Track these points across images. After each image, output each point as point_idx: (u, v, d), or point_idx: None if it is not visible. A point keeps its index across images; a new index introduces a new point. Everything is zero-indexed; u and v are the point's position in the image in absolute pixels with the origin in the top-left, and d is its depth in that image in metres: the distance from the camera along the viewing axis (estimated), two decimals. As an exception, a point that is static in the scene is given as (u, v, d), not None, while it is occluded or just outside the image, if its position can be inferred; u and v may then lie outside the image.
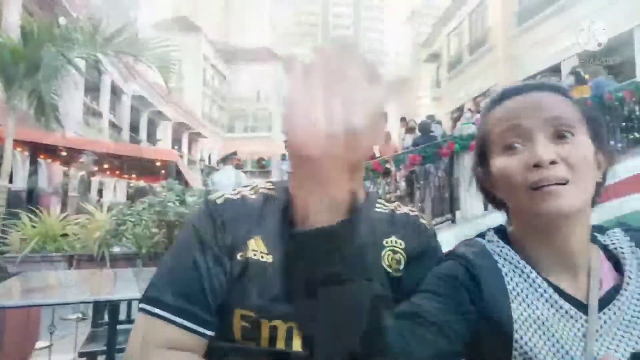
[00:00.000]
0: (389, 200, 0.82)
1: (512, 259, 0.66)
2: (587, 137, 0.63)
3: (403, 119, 9.92)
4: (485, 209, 5.31)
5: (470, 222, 4.89)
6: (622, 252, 0.66)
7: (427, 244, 0.74)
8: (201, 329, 0.63)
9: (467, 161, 5.49)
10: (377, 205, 0.79)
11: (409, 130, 8.65)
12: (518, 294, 0.62)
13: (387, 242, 0.72)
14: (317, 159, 0.37)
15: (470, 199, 5.35)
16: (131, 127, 19.60)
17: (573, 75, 7.81)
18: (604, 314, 0.60)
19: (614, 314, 0.60)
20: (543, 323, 0.60)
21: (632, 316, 0.60)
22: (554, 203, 0.58)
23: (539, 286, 0.62)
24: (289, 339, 0.64)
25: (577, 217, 0.61)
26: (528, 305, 0.61)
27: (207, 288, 0.65)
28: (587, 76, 7.34)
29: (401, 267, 0.70)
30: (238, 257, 0.66)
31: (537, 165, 0.59)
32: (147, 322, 0.63)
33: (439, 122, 9.01)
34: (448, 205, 5.51)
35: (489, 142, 0.68)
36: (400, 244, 0.72)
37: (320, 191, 0.40)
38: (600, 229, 0.71)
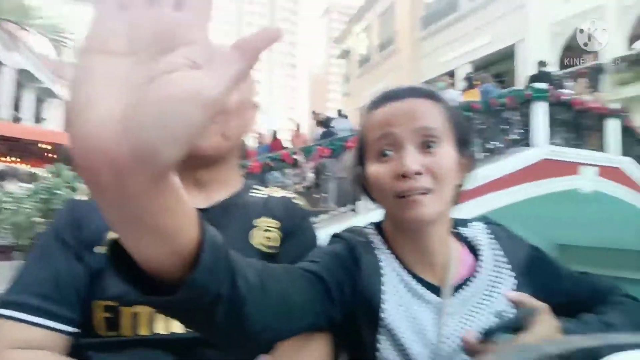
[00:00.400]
0: (267, 186, 0.88)
1: (384, 251, 0.74)
2: (453, 145, 0.69)
3: (314, 112, 10.12)
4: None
5: (370, 212, 5.17)
6: (480, 244, 0.76)
7: (301, 222, 0.81)
8: (62, 327, 0.63)
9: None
10: (252, 191, 0.84)
11: (319, 123, 8.85)
12: (388, 280, 0.70)
13: (257, 222, 0.77)
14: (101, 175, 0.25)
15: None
16: (14, 105, 17.37)
17: (466, 81, 8.60)
18: (457, 297, 0.70)
19: (466, 297, 0.70)
20: (406, 306, 0.69)
21: (482, 299, 0.70)
22: (417, 211, 0.65)
23: (402, 276, 0.71)
24: (151, 324, 0.65)
25: (437, 220, 0.69)
26: (395, 292, 0.70)
27: (66, 285, 0.64)
28: (478, 82, 8.12)
29: (276, 244, 0.76)
30: (96, 250, 0.66)
31: (404, 176, 0.65)
32: (5, 325, 0.61)
33: (345, 117, 9.34)
34: (351, 197, 5.75)
35: (366, 146, 0.72)
36: (276, 224, 0.78)
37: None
38: (464, 222, 0.81)
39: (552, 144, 6.90)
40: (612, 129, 7.72)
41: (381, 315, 0.68)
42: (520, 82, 9.32)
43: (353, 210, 5.65)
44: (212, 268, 0.36)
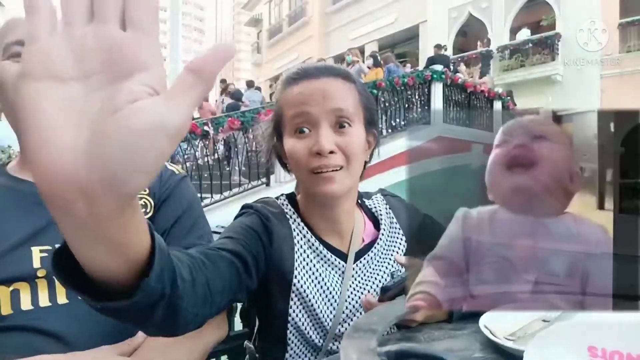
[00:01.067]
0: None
1: (295, 220, 0.79)
2: (362, 124, 0.76)
3: (223, 81, 9.75)
4: (297, 173, 5.73)
5: (283, 185, 5.24)
6: (380, 213, 0.85)
7: (175, 186, 0.81)
8: None
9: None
10: None
11: (227, 93, 8.59)
12: (300, 247, 0.77)
13: None
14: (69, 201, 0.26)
15: (284, 164, 5.71)
16: None
17: (371, 58, 8.93)
18: (360, 262, 0.79)
19: (367, 261, 0.79)
20: (315, 271, 0.76)
21: (381, 262, 0.81)
22: (329, 187, 0.72)
23: (313, 243, 0.77)
24: (15, 302, 0.64)
25: (346, 195, 0.76)
26: (305, 257, 0.76)
27: None
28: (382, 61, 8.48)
29: (148, 210, 0.77)
30: None
31: (319, 154, 0.70)
32: None
33: (258, 89, 9.19)
34: (263, 170, 5.76)
35: (283, 120, 0.76)
36: (144, 190, 0.76)
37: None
38: (367, 194, 0.91)
39: (447, 122, 7.54)
40: (497, 111, 8.65)
41: (293, 282, 0.74)
42: (423, 63, 9.90)
43: (265, 184, 5.68)
44: (161, 272, 0.39)
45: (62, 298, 0.66)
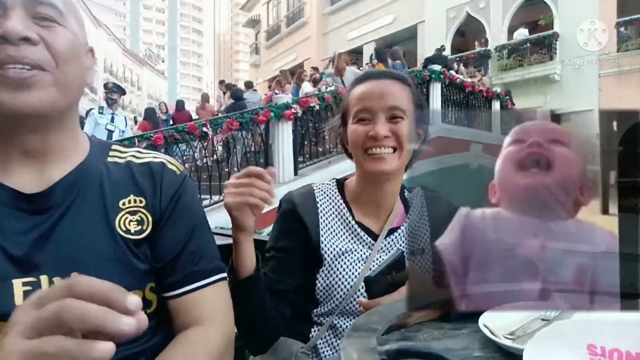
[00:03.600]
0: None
1: (335, 199, 0.93)
2: (413, 119, 0.90)
3: (222, 82, 9.76)
4: (295, 174, 5.75)
5: (282, 186, 5.24)
6: (412, 202, 0.97)
7: (180, 193, 0.67)
8: None
9: (281, 128, 5.81)
10: (111, 153, 0.66)
11: (227, 94, 8.59)
12: (327, 226, 0.90)
13: (123, 204, 0.62)
14: None
15: (283, 165, 5.71)
16: None
17: (375, 52, 8.95)
18: (389, 237, 0.92)
19: (392, 239, 0.92)
20: (343, 244, 0.89)
21: (404, 241, 0.93)
22: (380, 165, 0.86)
23: (349, 221, 0.91)
24: None
25: (395, 174, 0.90)
26: (334, 234, 0.90)
27: None
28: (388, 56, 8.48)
29: (145, 227, 0.62)
30: None
31: (375, 138, 0.85)
32: None
33: (255, 90, 9.18)
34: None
35: (348, 112, 0.92)
36: (141, 202, 0.63)
37: None
38: (410, 188, 1.02)
39: (445, 122, 7.55)
40: (496, 110, 8.65)
41: (321, 253, 0.87)
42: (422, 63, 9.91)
43: (264, 184, 5.67)
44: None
45: None
